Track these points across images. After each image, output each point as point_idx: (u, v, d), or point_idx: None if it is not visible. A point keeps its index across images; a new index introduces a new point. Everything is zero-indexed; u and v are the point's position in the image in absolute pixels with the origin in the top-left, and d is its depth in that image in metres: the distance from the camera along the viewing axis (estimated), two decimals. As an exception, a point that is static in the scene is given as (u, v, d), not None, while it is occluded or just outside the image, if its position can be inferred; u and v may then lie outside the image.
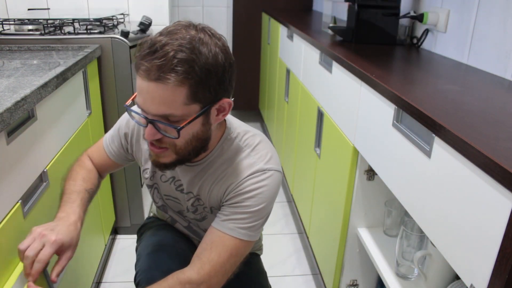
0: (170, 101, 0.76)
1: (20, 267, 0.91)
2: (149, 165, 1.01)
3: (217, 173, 0.93)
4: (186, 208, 1.03)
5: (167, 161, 0.87)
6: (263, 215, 0.91)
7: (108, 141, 1.04)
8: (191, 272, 0.87)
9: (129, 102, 0.87)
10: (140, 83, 0.77)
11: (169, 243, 1.10)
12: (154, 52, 0.74)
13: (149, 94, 0.76)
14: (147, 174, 1.03)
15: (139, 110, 0.81)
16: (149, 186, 1.06)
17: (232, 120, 0.97)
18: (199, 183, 0.95)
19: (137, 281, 1.03)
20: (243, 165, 0.91)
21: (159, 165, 0.88)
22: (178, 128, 0.78)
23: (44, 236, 0.83)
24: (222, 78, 0.79)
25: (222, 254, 0.88)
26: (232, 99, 0.86)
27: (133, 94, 0.85)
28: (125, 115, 1.00)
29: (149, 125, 0.80)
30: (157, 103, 0.76)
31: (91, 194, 1.02)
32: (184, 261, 0.97)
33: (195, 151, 0.88)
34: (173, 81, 0.73)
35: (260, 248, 1.23)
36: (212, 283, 0.88)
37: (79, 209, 0.93)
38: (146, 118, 0.79)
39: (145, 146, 0.99)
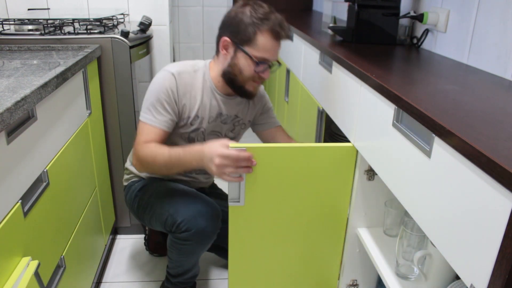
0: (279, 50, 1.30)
1: (20, 267, 0.91)
2: (201, 112, 1.35)
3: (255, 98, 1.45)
4: (224, 135, 1.44)
5: (257, 91, 1.39)
6: None
7: (156, 119, 1.28)
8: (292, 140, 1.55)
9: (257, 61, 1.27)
10: (275, 44, 1.26)
11: (189, 191, 1.43)
12: (285, 24, 1.26)
13: (277, 50, 1.28)
14: (197, 120, 1.35)
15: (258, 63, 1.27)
16: (193, 131, 1.37)
17: None
18: (247, 110, 1.46)
19: (184, 228, 1.29)
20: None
21: (253, 96, 1.37)
22: (280, 65, 1.33)
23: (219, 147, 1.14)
24: None
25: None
26: None
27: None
28: (158, 86, 1.29)
29: (268, 69, 1.29)
30: (277, 53, 1.30)
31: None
32: (210, 203, 1.36)
33: None
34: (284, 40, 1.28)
35: None
36: None
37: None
38: (269, 65, 1.28)
39: (203, 98, 1.34)
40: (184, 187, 1.46)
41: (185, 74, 1.31)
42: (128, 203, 1.50)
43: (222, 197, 1.63)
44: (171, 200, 1.36)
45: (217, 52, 1.33)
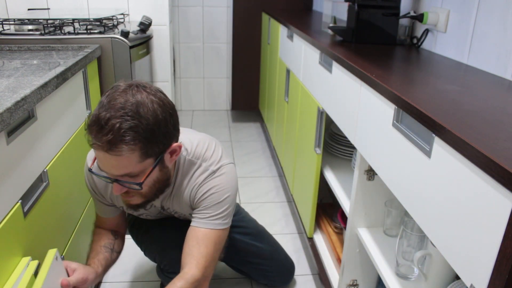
0: (126, 165, 0.89)
1: (20, 267, 0.91)
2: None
3: (181, 190, 1.11)
4: (180, 215, 1.23)
5: (137, 203, 1.04)
6: (229, 203, 1.10)
7: (99, 209, 1.22)
8: (192, 270, 1.03)
9: (91, 165, 1.00)
10: (97, 153, 0.89)
11: (173, 230, 1.30)
12: (102, 128, 0.84)
13: (107, 161, 0.89)
14: (129, 210, 1.19)
15: (103, 172, 0.94)
16: (137, 214, 1.26)
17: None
18: (171, 203, 1.15)
19: (170, 270, 1.26)
20: (198, 175, 1.10)
21: (131, 206, 1.06)
22: (139, 183, 0.93)
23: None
24: (166, 129, 0.92)
25: (208, 245, 1.06)
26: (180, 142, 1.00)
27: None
28: (86, 179, 1.16)
29: (114, 183, 0.94)
30: (116, 168, 0.90)
31: (110, 244, 1.22)
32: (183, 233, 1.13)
33: (160, 190, 1.05)
34: (125, 149, 0.86)
35: None
36: (209, 273, 1.07)
37: (94, 267, 1.11)
38: (110, 178, 0.93)
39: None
40: (170, 223, 1.32)
41: None
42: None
43: None
44: (158, 239, 1.31)
45: None
